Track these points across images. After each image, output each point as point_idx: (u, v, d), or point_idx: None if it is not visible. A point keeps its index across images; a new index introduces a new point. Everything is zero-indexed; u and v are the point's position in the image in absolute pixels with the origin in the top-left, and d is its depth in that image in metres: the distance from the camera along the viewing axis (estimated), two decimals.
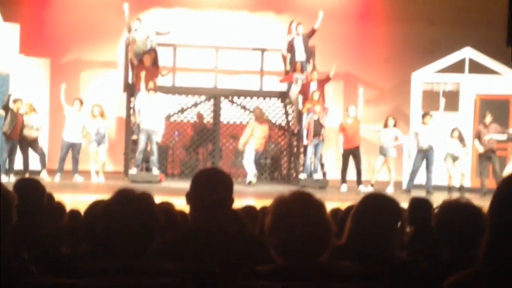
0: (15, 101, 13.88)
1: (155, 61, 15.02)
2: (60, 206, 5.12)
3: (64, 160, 14.27)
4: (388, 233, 3.31)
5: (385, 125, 14.50)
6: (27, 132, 14.00)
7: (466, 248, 3.17)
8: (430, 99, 15.53)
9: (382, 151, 14.44)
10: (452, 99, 15.51)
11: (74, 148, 14.28)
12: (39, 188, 4.28)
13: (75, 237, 4.23)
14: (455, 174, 14.52)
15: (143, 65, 14.65)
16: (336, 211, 4.80)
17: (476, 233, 3.07)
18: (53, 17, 17.13)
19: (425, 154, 14.30)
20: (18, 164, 14.13)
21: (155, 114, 14.14)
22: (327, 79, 14.93)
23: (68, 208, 5.47)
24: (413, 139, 14.60)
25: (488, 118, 14.39)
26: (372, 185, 14.31)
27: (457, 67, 15.57)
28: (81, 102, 14.39)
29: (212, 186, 3.25)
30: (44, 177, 13.69)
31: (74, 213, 5.44)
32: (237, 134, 15.62)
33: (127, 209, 2.75)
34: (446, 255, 3.25)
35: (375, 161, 14.76)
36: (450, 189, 14.46)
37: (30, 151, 14.21)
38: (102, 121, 14.37)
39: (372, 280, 2.84)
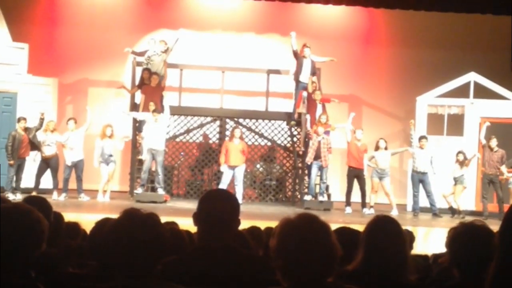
0: (19, 120, 14.02)
1: (160, 82, 15.15)
2: (76, 226, 5.12)
3: (68, 181, 14.31)
4: (400, 256, 3.32)
5: (376, 147, 14.54)
6: (44, 150, 14.07)
7: (477, 270, 3.15)
8: (435, 122, 15.56)
9: (377, 174, 14.45)
10: (458, 123, 15.55)
11: (77, 167, 14.33)
12: (46, 205, 4.28)
13: (81, 257, 4.25)
14: (461, 199, 14.54)
15: (150, 85, 14.81)
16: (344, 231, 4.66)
17: (489, 256, 3.07)
18: (62, 37, 17.22)
19: (420, 177, 14.39)
20: (29, 183, 14.22)
21: (159, 133, 14.24)
22: (327, 100, 15.12)
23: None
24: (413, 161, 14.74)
25: (494, 142, 14.41)
26: (371, 206, 14.34)
27: (462, 91, 15.61)
28: (75, 121, 14.48)
29: (219, 207, 3.27)
30: (53, 197, 13.71)
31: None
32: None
33: (134, 229, 2.73)
34: (457, 277, 3.25)
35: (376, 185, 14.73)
36: (452, 212, 14.48)
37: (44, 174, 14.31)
38: (110, 142, 14.43)
39: None
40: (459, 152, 14.50)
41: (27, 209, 2.75)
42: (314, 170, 14.40)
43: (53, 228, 4.29)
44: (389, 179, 14.55)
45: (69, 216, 5.73)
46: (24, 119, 14.13)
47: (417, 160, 14.43)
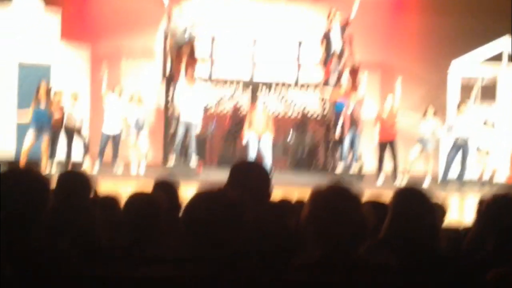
0: (56, 93, 14.04)
1: (192, 53, 15.09)
2: (112, 199, 5.10)
3: (103, 153, 14.35)
4: (428, 227, 3.31)
5: (424, 114, 14.40)
6: (71, 122, 14.14)
7: (510, 241, 3.13)
8: (468, 89, 15.38)
9: (422, 142, 14.35)
10: (491, 89, 15.33)
11: (114, 140, 14.39)
12: (85, 181, 4.31)
13: (116, 230, 4.26)
14: (486, 168, 14.40)
15: (182, 56, 14.73)
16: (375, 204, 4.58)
17: None
18: (94, 4, 17.28)
19: (460, 146, 14.16)
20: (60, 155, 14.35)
21: (193, 106, 14.18)
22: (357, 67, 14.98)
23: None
24: (448, 131, 14.49)
25: None
26: (407, 172, 14.25)
27: (495, 58, 15.35)
28: (121, 90, 14.53)
29: (250, 178, 3.27)
30: (85, 165, 13.78)
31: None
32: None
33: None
34: (490, 248, 3.23)
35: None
36: (483, 183, 14.31)
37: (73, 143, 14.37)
38: (140, 109, 14.45)
39: (409, 273, 2.83)
40: (486, 122, 14.32)
41: (25, 170, 2.81)
42: (347, 139, 14.29)
43: (89, 200, 4.36)
44: (432, 146, 14.39)
45: (104, 188, 5.76)
46: (61, 92, 14.18)
47: (456, 129, 14.16)
